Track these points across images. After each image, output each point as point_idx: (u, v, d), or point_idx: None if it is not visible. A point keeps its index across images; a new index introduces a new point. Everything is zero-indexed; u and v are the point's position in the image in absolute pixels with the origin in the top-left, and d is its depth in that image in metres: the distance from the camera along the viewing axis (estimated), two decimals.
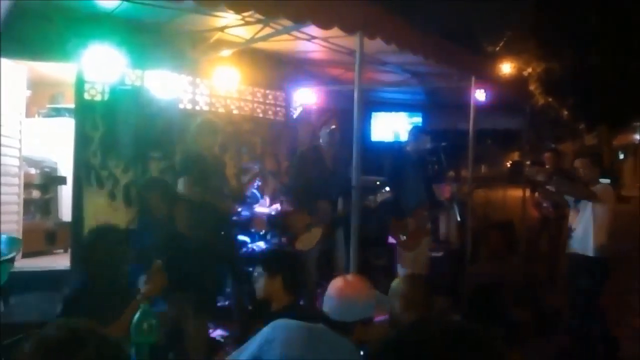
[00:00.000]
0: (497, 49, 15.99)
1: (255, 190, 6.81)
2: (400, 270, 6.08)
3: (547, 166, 8.07)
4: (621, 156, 32.57)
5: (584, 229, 5.48)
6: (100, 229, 3.79)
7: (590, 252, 5.42)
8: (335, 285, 2.65)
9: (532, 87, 16.16)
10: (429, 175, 6.38)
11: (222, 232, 5.47)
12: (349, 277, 2.74)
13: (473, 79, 6.91)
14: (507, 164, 23.45)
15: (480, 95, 7.48)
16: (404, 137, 7.52)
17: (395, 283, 3.30)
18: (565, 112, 21.94)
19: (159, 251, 4.09)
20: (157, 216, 4.79)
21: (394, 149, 8.03)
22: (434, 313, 2.96)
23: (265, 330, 2.55)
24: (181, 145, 6.27)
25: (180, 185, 5.20)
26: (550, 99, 19.86)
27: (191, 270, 4.43)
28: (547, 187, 6.33)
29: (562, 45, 19.30)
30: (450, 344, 2.47)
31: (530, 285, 6.99)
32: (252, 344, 2.54)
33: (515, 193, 10.15)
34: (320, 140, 6.47)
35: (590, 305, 5.42)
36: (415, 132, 6.49)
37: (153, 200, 4.92)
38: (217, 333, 5.37)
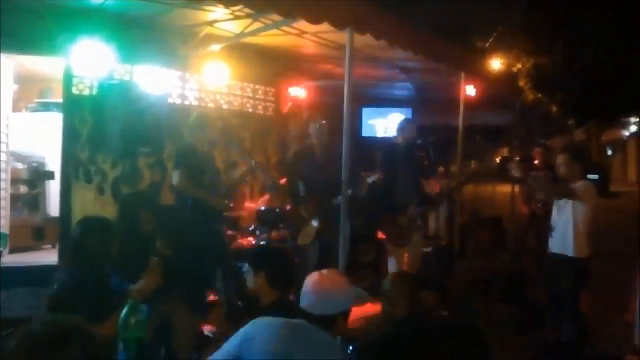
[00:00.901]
0: (488, 44, 16.02)
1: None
2: (391, 266, 6.09)
3: (536, 162, 8.10)
4: (610, 152, 32.78)
5: (564, 228, 5.25)
6: (88, 220, 3.76)
7: (569, 253, 5.20)
8: (312, 279, 2.65)
9: (522, 83, 16.22)
10: (419, 169, 6.36)
11: (214, 228, 5.47)
12: (325, 271, 2.74)
13: (463, 74, 6.93)
14: (497, 160, 23.54)
15: (470, 91, 7.51)
16: (393, 132, 7.49)
17: (386, 283, 3.31)
18: (555, 108, 22.02)
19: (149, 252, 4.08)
20: (144, 230, 4.58)
21: (383, 144, 8.04)
22: (421, 309, 2.96)
23: (245, 329, 2.54)
24: (172, 140, 6.25)
25: (176, 178, 5.22)
26: (540, 95, 19.93)
27: (181, 266, 4.41)
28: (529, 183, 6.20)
29: (552, 40, 19.37)
30: (440, 339, 2.49)
31: (517, 282, 7.00)
32: (232, 343, 2.53)
33: (505, 189, 10.20)
34: (310, 137, 6.43)
35: (570, 307, 5.26)
36: (403, 123, 6.48)
37: (138, 215, 4.68)
38: (207, 329, 5.36)
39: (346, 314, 2.64)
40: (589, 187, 5.24)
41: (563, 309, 5.36)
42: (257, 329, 2.51)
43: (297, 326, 2.53)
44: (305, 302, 2.62)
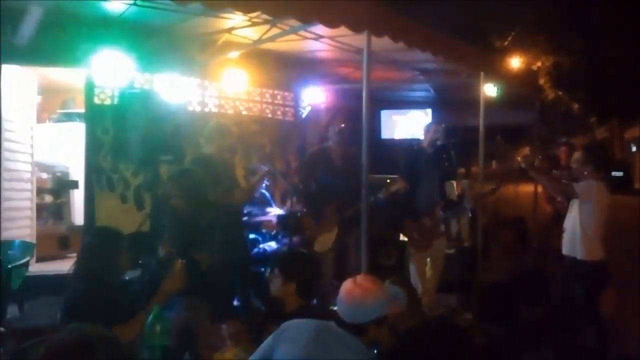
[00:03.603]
0: (506, 43, 15.93)
1: (264, 191, 6.80)
2: (412, 270, 6.07)
3: (561, 161, 7.99)
4: (634, 149, 32.30)
5: (572, 230, 5.06)
6: (99, 230, 3.79)
7: (578, 255, 4.99)
8: (345, 287, 2.64)
9: (541, 82, 16.08)
10: (442, 172, 6.30)
11: (237, 233, 5.47)
12: (359, 278, 2.72)
13: (482, 74, 6.88)
14: (518, 159, 23.34)
15: (489, 90, 7.45)
16: (413, 134, 7.46)
17: None
18: (576, 106, 21.78)
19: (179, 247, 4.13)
20: (180, 208, 4.67)
21: (405, 146, 8.00)
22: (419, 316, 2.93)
23: (277, 330, 2.60)
24: (192, 147, 6.28)
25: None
26: (560, 93, 19.74)
27: (204, 271, 4.43)
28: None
29: (571, 38, 19.19)
30: (437, 343, 2.46)
31: (540, 283, 6.90)
32: (265, 343, 2.62)
33: (527, 188, 10.09)
34: (329, 140, 6.41)
35: (586, 310, 5.04)
36: (428, 126, 6.45)
37: (181, 190, 4.76)
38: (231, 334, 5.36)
39: (379, 321, 2.63)
40: (594, 186, 4.98)
41: (580, 312, 5.16)
42: (287, 328, 2.59)
43: (325, 328, 2.55)
44: (338, 308, 2.63)
